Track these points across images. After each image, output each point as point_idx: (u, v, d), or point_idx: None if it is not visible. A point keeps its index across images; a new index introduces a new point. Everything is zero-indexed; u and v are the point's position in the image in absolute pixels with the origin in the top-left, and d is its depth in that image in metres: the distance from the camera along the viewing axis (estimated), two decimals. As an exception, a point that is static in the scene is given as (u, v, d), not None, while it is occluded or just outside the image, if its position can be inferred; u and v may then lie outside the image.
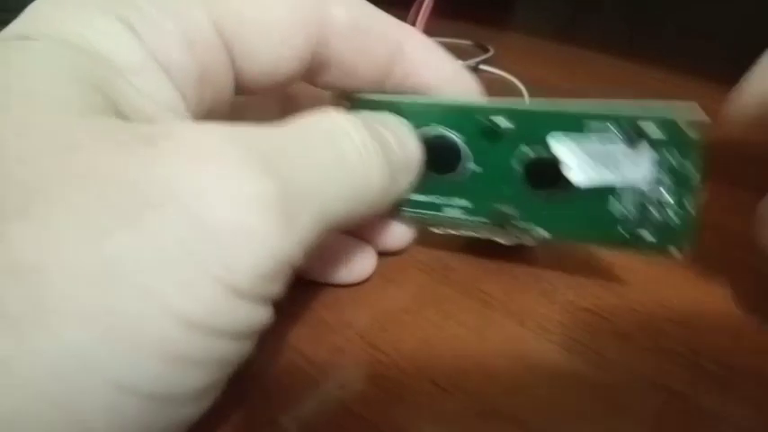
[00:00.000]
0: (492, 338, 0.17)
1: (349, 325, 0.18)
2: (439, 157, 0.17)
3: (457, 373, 0.16)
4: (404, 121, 0.17)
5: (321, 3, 0.15)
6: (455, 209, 0.18)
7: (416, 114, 0.17)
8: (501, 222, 0.17)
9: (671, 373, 0.16)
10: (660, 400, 0.16)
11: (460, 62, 0.34)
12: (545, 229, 0.17)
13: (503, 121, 0.16)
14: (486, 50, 0.37)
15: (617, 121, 0.15)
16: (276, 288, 0.12)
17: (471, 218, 0.18)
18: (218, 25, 0.14)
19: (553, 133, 0.16)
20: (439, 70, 0.17)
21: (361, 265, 0.19)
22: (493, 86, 0.33)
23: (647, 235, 0.16)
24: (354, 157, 0.14)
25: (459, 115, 0.17)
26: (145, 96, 0.12)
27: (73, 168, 0.10)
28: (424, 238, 0.20)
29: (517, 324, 0.18)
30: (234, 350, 0.11)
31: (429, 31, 0.31)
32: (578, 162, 0.15)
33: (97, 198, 0.09)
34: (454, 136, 0.17)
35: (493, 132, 0.17)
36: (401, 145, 0.16)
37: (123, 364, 0.09)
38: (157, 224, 0.10)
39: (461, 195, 0.18)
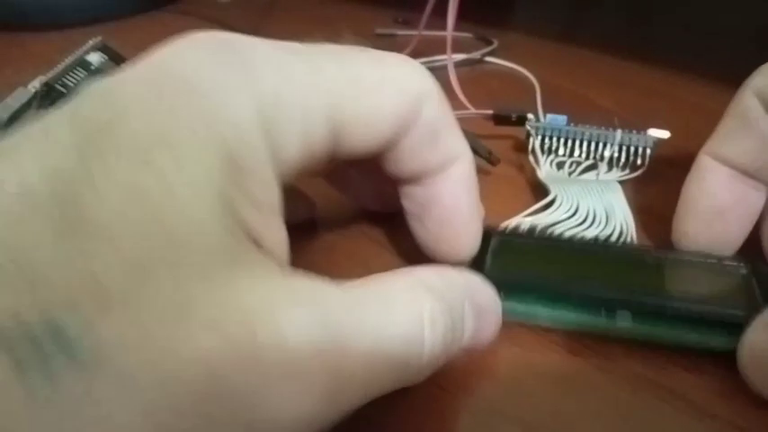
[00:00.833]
0: (494, 339, 0.17)
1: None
2: None
3: (459, 374, 0.16)
4: (497, 304, 0.16)
5: (419, 101, 0.16)
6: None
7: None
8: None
9: (673, 374, 0.16)
10: (662, 401, 0.16)
11: (465, 55, 0.34)
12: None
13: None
14: (490, 43, 0.37)
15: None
16: None
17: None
18: (331, 116, 0.14)
19: None
20: (464, 207, 0.18)
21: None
22: (500, 77, 0.34)
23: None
24: (417, 360, 0.13)
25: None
26: (250, 200, 0.12)
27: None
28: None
29: (519, 324, 0.18)
30: None
31: (433, 27, 0.31)
32: None
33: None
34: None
35: None
36: (477, 334, 0.15)
37: None
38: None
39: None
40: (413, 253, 0.19)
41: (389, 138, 0.15)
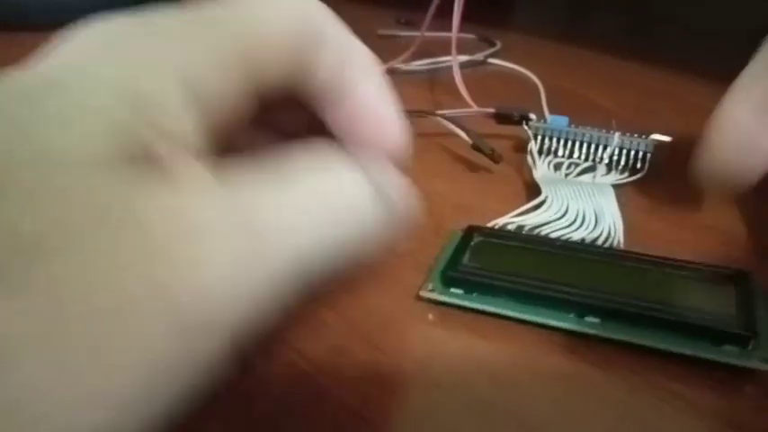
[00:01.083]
0: (493, 338, 0.17)
1: (349, 325, 0.18)
2: None
3: (458, 373, 0.16)
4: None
5: (315, 16, 0.16)
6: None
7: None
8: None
9: (673, 374, 0.16)
10: (661, 401, 0.16)
11: (468, 57, 0.35)
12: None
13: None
14: (493, 44, 0.37)
15: None
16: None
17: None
18: (239, 50, 0.15)
19: None
20: (379, 96, 0.17)
21: None
22: (503, 79, 0.34)
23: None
24: (349, 215, 0.13)
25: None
26: (163, 133, 0.13)
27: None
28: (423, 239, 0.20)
29: (517, 323, 0.18)
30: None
31: (435, 28, 0.31)
32: None
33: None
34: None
35: None
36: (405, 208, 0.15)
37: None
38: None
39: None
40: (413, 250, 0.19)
41: (300, 55, 0.16)
